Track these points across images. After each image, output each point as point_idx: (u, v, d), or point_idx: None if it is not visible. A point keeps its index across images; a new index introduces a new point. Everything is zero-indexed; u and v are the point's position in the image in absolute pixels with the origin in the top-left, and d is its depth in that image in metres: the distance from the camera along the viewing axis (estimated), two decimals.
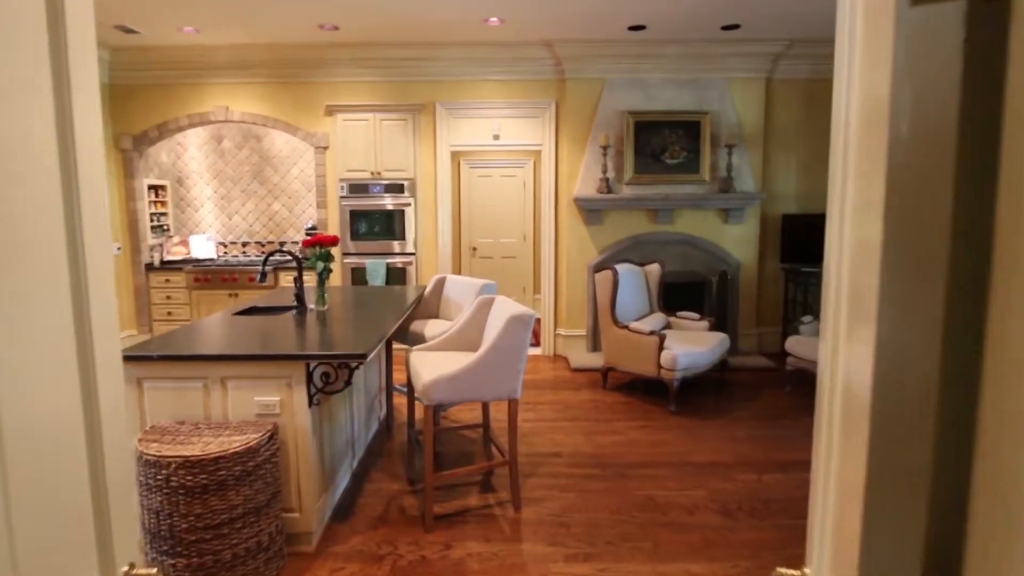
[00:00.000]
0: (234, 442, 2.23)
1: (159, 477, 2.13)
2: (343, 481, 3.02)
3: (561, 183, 5.67)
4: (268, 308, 3.48)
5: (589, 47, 5.29)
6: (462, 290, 3.95)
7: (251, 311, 3.41)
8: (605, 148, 5.35)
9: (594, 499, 2.93)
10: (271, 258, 5.60)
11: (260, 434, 2.29)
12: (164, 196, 6.11)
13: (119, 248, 5.61)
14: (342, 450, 3.02)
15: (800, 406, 4.22)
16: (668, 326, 4.83)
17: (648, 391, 4.56)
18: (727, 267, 5.61)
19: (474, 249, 7.46)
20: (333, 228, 5.68)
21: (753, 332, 5.70)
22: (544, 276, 5.84)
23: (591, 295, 5.56)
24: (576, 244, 5.61)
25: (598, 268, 5.54)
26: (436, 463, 3.29)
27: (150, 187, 5.89)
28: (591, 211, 5.54)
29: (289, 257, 6.25)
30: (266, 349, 2.43)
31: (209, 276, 5.68)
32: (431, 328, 3.72)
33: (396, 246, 5.63)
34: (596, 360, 5.29)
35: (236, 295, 5.68)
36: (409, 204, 5.57)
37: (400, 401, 4.29)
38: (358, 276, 5.66)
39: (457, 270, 7.42)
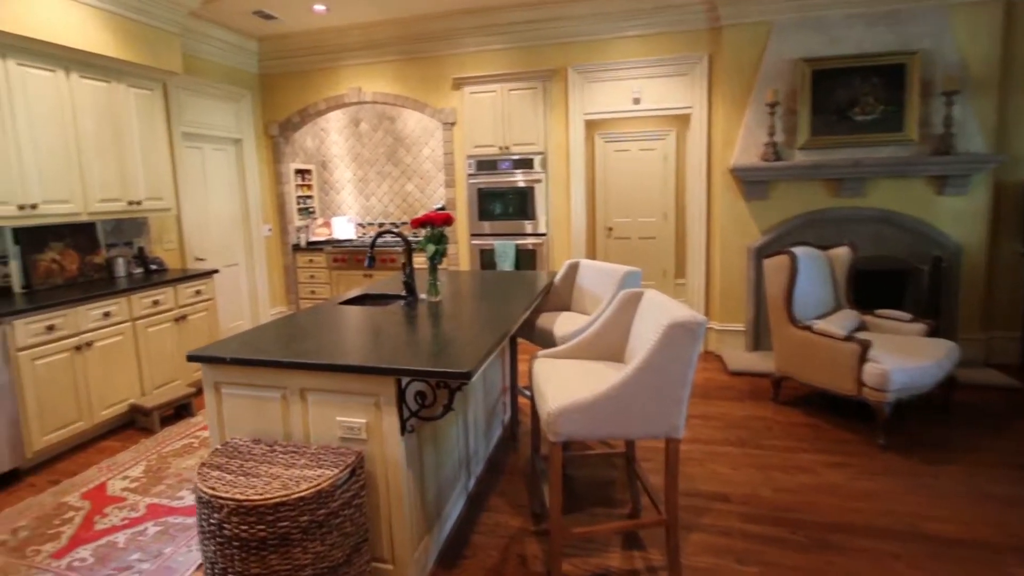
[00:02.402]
0: (304, 480, 1.59)
1: (212, 521, 1.56)
2: (454, 511, 2.33)
3: (715, 151, 4.46)
4: (379, 296, 2.88)
5: None
6: (599, 279, 3.05)
7: (361, 299, 2.84)
8: (772, 106, 4.05)
9: None
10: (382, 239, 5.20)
11: (337, 471, 1.63)
12: (309, 180, 5.94)
13: (270, 229, 5.52)
14: (452, 474, 2.32)
15: None
16: (863, 327, 3.50)
17: (840, 411, 3.32)
18: (942, 251, 4.03)
19: (610, 229, 6.46)
20: (461, 208, 5.06)
21: (979, 337, 4.07)
22: (692, 260, 4.70)
23: (752, 283, 4.33)
24: (733, 223, 4.39)
25: (763, 252, 4.30)
26: (566, 499, 2.47)
27: (296, 171, 5.72)
28: (753, 183, 4.28)
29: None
30: (348, 356, 1.76)
31: (345, 257, 5.39)
32: (562, 324, 2.89)
33: (526, 226, 4.86)
34: (760, 363, 4.10)
35: (370, 276, 5.33)
36: (540, 180, 4.75)
37: (527, 403, 3.54)
38: (487, 259, 5.00)
39: (591, 252, 6.50)
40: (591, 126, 6.20)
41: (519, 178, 4.80)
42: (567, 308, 3.31)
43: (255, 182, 5.26)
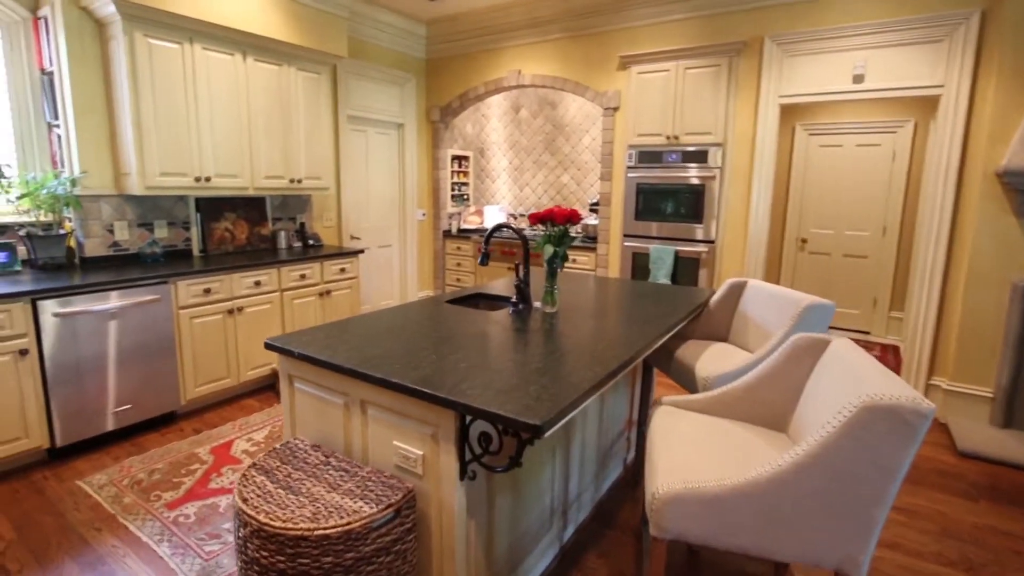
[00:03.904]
0: (336, 513, 1.34)
1: (240, 536, 1.40)
2: (537, 565, 1.93)
3: (974, 147, 3.28)
4: (494, 297, 2.59)
5: None
6: (771, 307, 2.36)
7: (473, 298, 2.57)
8: None
9: None
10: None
11: (376, 509, 1.36)
12: (466, 166, 5.95)
13: (424, 214, 5.65)
14: (540, 522, 1.92)
15: None
16: None
17: None
18: None
19: (803, 242, 5.36)
20: (616, 204, 4.56)
21: None
22: (917, 289, 3.57)
23: (1015, 333, 3.10)
24: (992, 245, 3.19)
25: None
26: None
27: (453, 157, 5.77)
28: None
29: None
30: (409, 373, 1.46)
31: (492, 247, 5.27)
32: (710, 360, 2.28)
33: (691, 230, 4.18)
34: (1011, 447, 2.91)
35: (513, 269, 5.13)
36: (713, 177, 4.03)
37: None
38: (640, 264, 4.44)
39: (773, 268, 5.47)
40: (789, 113, 5.16)
41: (688, 173, 4.13)
42: (723, 338, 2.66)
43: (413, 166, 5.41)
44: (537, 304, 2.34)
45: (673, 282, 4.29)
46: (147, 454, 2.84)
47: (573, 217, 2.16)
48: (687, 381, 2.30)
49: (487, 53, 5.06)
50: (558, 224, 2.16)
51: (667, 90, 4.10)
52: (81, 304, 2.72)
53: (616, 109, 4.43)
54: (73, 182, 3.07)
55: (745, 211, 4.04)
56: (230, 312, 3.37)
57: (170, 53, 3.16)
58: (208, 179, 3.41)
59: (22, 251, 3.04)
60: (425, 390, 1.37)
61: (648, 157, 4.29)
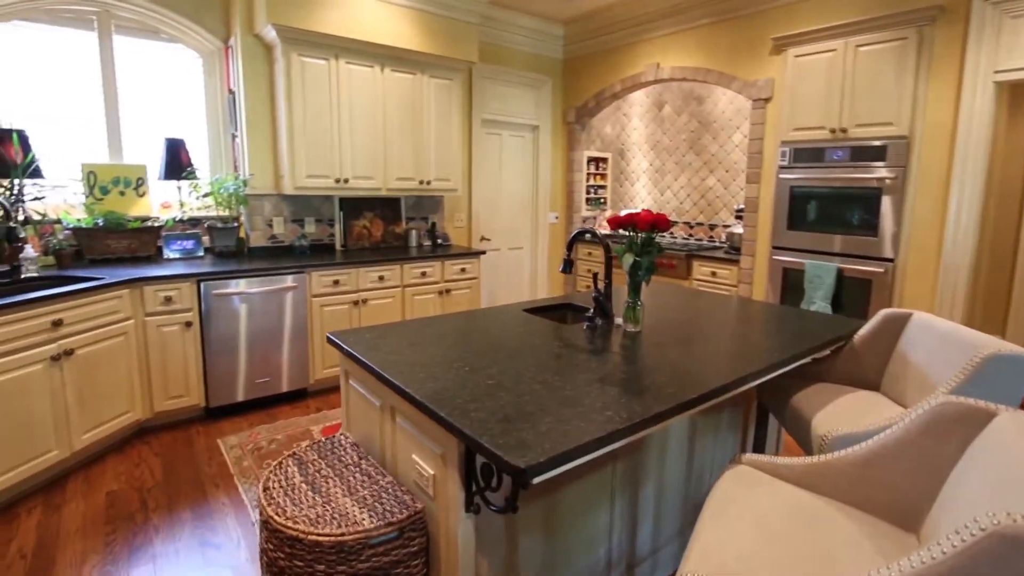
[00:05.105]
0: (336, 520, 1.31)
1: (257, 519, 1.44)
2: None
3: None
4: (577, 308, 2.37)
5: None
6: (942, 351, 1.78)
7: (559, 308, 2.39)
8: None
9: None
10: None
11: (374, 525, 1.29)
12: (604, 168, 5.70)
13: (556, 217, 5.55)
14: (584, 571, 1.68)
15: None
16: None
17: None
18: None
19: None
20: (765, 211, 3.95)
21: None
22: None
23: None
24: None
25: None
26: None
27: (590, 159, 5.56)
28: None
29: (716, 243, 4.95)
30: (425, 384, 1.35)
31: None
32: (839, 412, 1.79)
33: (862, 244, 3.43)
34: None
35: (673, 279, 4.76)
36: (895, 178, 3.25)
37: None
38: (791, 282, 3.78)
39: (991, 304, 4.24)
40: (1009, 93, 3.93)
41: (858, 174, 3.39)
42: (872, 386, 2.08)
43: (547, 169, 5.34)
44: (619, 321, 2.07)
45: (835, 308, 3.56)
46: (275, 424, 3.20)
47: (660, 223, 1.86)
48: (801, 436, 1.83)
49: (624, 48, 4.76)
50: (641, 230, 1.87)
51: (832, 74, 3.40)
52: (235, 287, 3.15)
53: (767, 100, 3.81)
54: (244, 183, 3.59)
55: (940, 223, 3.18)
56: (355, 303, 3.64)
57: (318, 68, 3.52)
58: (346, 180, 3.73)
59: (206, 240, 3.64)
60: (430, 406, 1.26)
61: (806, 155, 3.61)
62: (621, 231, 1.95)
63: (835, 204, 3.54)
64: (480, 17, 4.20)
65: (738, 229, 4.34)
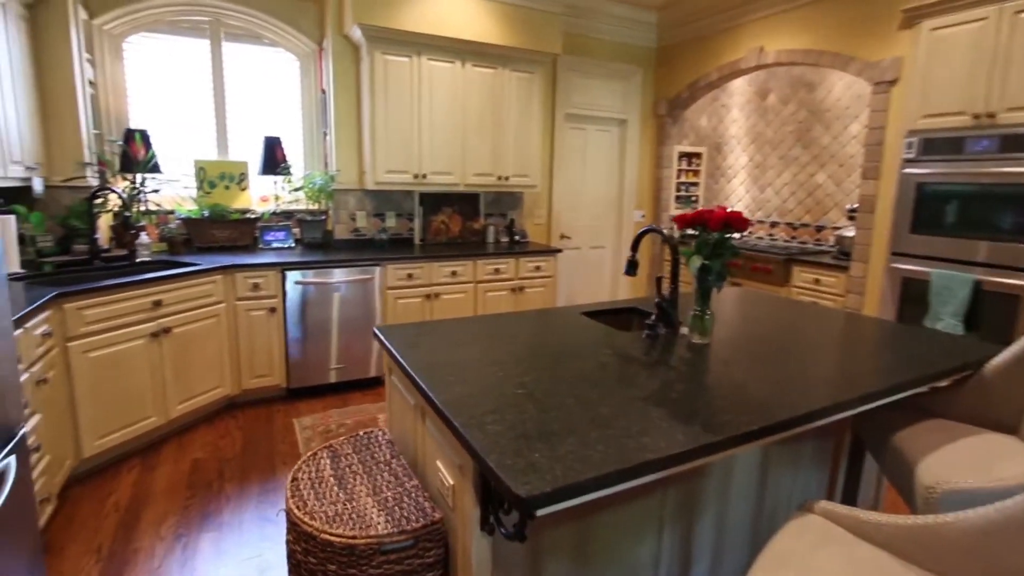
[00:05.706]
0: (352, 521, 1.27)
1: (284, 507, 1.44)
2: None
3: None
4: (644, 313, 2.17)
5: None
6: None
7: (624, 313, 2.21)
8: None
9: None
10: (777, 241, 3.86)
11: (387, 531, 1.23)
12: (697, 164, 5.29)
13: (643, 215, 5.26)
14: None
15: None
16: None
17: None
18: None
19: None
20: (883, 211, 3.43)
21: None
22: None
23: None
24: None
25: None
26: None
27: (682, 155, 5.19)
28: None
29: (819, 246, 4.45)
30: (450, 389, 1.27)
31: (740, 260, 4.57)
32: (955, 458, 1.46)
33: (1010, 253, 2.86)
34: None
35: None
36: None
37: None
38: (912, 294, 3.26)
39: None
40: None
41: (1010, 167, 2.81)
42: (1010, 428, 1.69)
43: (634, 165, 5.06)
44: (684, 330, 1.85)
45: (968, 327, 3.01)
46: (346, 409, 3.31)
47: (734, 222, 1.63)
48: (902, 485, 1.51)
49: (723, 33, 4.36)
50: (713, 230, 1.65)
51: (981, 48, 2.84)
52: (315, 276, 3.30)
53: (893, 83, 3.29)
54: (331, 178, 3.75)
55: None
56: (427, 297, 3.67)
57: (401, 66, 3.57)
58: (425, 176, 3.77)
59: (297, 232, 3.86)
60: (446, 413, 1.17)
61: (939, 146, 3.07)
62: (690, 231, 1.73)
63: (976, 203, 2.97)
64: (564, 7, 4.05)
65: (849, 232, 3.81)
